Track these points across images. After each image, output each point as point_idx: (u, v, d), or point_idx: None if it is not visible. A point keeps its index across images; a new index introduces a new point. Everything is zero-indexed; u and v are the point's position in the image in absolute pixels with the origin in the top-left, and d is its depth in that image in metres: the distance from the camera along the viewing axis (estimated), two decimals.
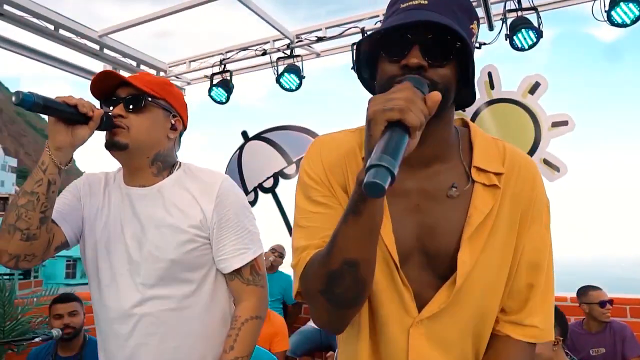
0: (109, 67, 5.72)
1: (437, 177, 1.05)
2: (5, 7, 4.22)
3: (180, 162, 1.68)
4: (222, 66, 5.66)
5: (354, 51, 1.07)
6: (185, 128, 1.71)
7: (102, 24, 5.06)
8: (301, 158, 5.49)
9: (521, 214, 1.05)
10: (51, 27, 4.61)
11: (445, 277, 1.02)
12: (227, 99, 5.65)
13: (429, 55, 0.95)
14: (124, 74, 5.27)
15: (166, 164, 1.62)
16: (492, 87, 4.58)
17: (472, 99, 1.05)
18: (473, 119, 4.53)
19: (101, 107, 1.57)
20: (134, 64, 5.69)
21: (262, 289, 1.65)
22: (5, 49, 4.59)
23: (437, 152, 1.05)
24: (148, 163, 1.59)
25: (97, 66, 5.61)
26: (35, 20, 4.46)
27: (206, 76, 5.85)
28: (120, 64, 5.56)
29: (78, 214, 1.59)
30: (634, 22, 3.89)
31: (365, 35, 1.05)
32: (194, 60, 5.94)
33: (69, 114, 1.38)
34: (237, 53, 5.61)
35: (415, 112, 0.82)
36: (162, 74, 6.00)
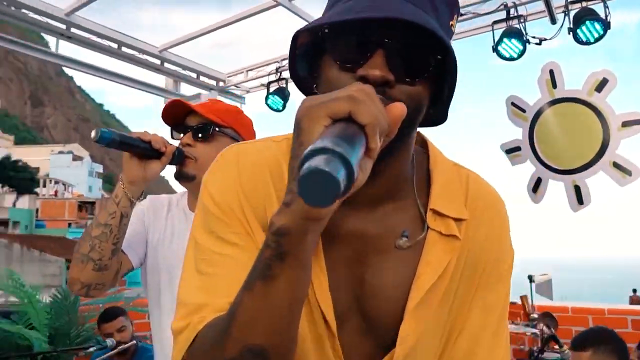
0: (170, 80, 5.99)
1: (385, 220, 0.80)
2: (73, 30, 4.52)
3: None
4: (278, 74, 5.75)
5: (290, 44, 0.76)
6: None
7: (166, 37, 5.34)
8: None
9: (479, 270, 0.83)
10: (115, 45, 4.88)
11: (387, 348, 0.79)
12: (284, 106, 5.73)
13: (398, 68, 0.69)
14: (186, 87, 5.50)
15: None
16: (554, 85, 4.38)
17: (442, 118, 0.82)
18: (534, 120, 4.34)
19: (171, 134, 1.64)
20: (194, 75, 5.91)
21: None
22: (73, 68, 4.91)
23: (389, 188, 0.80)
24: None
25: (159, 80, 5.87)
26: (99, 40, 4.75)
27: (262, 85, 5.96)
28: (180, 76, 5.80)
29: (142, 239, 1.65)
30: None
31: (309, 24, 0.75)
32: (251, 70, 6.08)
33: (143, 150, 1.45)
34: None
35: (371, 106, 0.56)
36: (221, 84, 6.19)
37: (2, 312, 3.94)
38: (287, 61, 4.85)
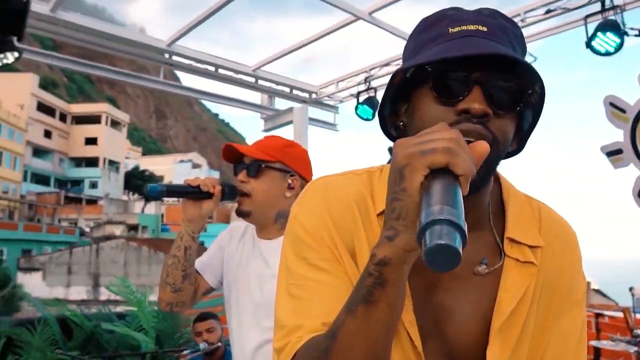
0: (265, 96, 6.37)
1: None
2: (174, 58, 5.02)
3: None
4: (367, 84, 5.89)
5: (389, 82, 0.84)
6: (308, 181, 1.86)
7: (255, 57, 5.72)
8: None
9: (555, 297, 0.87)
10: (212, 68, 5.32)
11: None
12: (373, 115, 5.85)
13: (495, 101, 0.76)
14: (280, 101, 5.79)
15: (287, 219, 1.85)
16: None
17: (520, 148, 0.89)
18: (636, 122, 4.06)
19: (234, 172, 1.85)
20: (287, 90, 6.24)
21: None
22: (178, 94, 5.42)
23: (472, 220, 0.77)
24: (272, 220, 1.78)
25: (255, 97, 6.27)
26: (198, 65, 5.21)
27: (352, 95, 6.13)
28: (274, 92, 6.16)
29: (219, 261, 1.90)
30: None
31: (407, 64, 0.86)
32: (341, 80, 6.28)
33: (193, 193, 1.70)
34: (379, 69, 5.80)
35: (465, 156, 0.63)
36: (313, 95, 6.47)
37: (118, 314, 4.51)
38: (375, 70, 4.92)
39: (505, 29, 0.80)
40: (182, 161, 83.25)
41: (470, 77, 0.76)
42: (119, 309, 5.03)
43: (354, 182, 0.89)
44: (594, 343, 3.83)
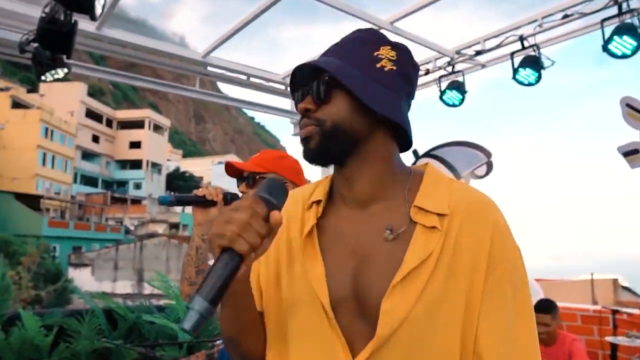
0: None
1: (374, 218, 0.98)
2: (209, 68, 5.20)
3: None
4: None
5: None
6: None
7: (286, 65, 5.89)
8: (470, 172, 5.47)
9: (469, 266, 0.91)
10: (244, 77, 5.49)
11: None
12: None
13: (313, 97, 0.98)
14: None
15: None
16: None
17: (406, 138, 1.02)
18: None
19: (237, 185, 2.00)
20: None
21: None
22: (213, 102, 5.61)
23: (372, 191, 0.99)
24: None
25: (285, 103, 6.41)
26: (231, 74, 5.38)
27: None
28: None
29: None
30: None
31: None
32: None
33: (199, 202, 1.89)
34: None
35: (247, 238, 0.81)
36: None
37: (158, 307, 4.71)
38: None
39: (339, 44, 1.02)
40: (220, 162, 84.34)
41: (295, 86, 1.02)
42: (161, 302, 5.24)
43: (308, 187, 1.12)
44: (610, 339, 3.81)
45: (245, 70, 5.43)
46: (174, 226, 46.88)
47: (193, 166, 77.27)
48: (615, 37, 3.94)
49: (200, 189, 1.92)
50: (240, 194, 1.94)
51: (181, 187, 61.30)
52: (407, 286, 0.89)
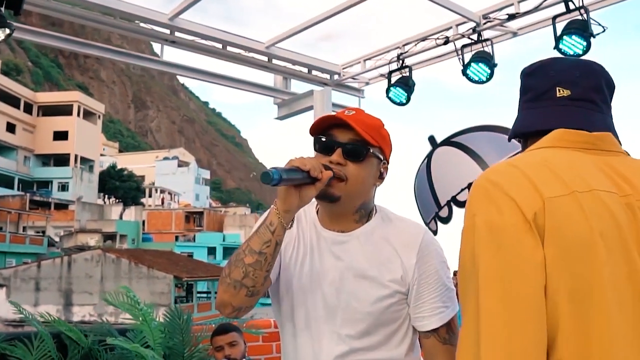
0: (279, 77, 6.40)
1: None
2: (177, 34, 5.06)
3: (376, 207, 1.88)
4: (400, 62, 5.89)
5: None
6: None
7: (269, 34, 5.76)
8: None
9: None
10: (219, 45, 5.36)
11: None
12: (408, 99, 5.83)
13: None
14: (297, 84, 5.84)
15: (367, 210, 1.84)
16: None
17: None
18: None
19: (315, 146, 1.79)
20: (305, 70, 6.26)
21: (454, 347, 1.77)
22: (179, 74, 5.47)
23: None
24: (353, 210, 1.79)
25: (268, 79, 6.30)
26: (204, 42, 5.25)
27: (382, 75, 6.14)
28: (290, 72, 6.19)
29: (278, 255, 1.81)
30: None
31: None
32: (368, 59, 6.28)
33: (302, 180, 1.60)
34: (415, 45, 5.80)
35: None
36: (335, 77, 6.49)
37: (119, 330, 4.58)
38: (410, 45, 4.99)
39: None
40: (166, 158, 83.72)
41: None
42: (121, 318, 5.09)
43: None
44: None
45: (222, 37, 5.30)
46: (110, 237, 46.39)
47: (132, 162, 76.44)
48: None
49: (298, 159, 1.63)
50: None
51: (118, 188, 60.52)
52: None
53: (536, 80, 1.39)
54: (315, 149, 1.77)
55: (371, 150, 1.72)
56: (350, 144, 1.71)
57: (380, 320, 1.73)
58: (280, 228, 1.61)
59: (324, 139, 1.74)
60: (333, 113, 1.79)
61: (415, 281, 1.73)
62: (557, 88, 1.34)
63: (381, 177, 1.83)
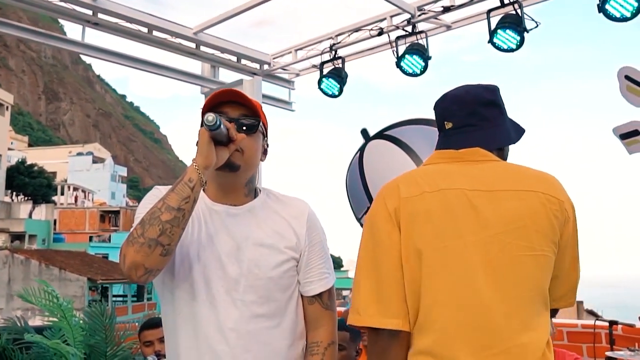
0: (207, 65, 6.27)
1: None
2: (100, 15, 4.85)
3: (259, 187, 2.05)
4: (333, 52, 5.88)
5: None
6: None
7: (202, 17, 5.63)
8: None
9: None
10: (145, 29, 5.18)
11: None
12: (340, 91, 5.84)
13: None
14: (225, 73, 5.72)
15: (253, 185, 2.01)
16: None
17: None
18: None
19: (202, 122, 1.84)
20: (234, 59, 6.18)
21: (335, 314, 2.07)
22: (97, 57, 5.25)
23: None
24: (244, 183, 1.95)
25: (195, 66, 6.16)
26: (129, 25, 5.06)
27: (314, 66, 6.12)
28: (219, 60, 6.08)
29: None
30: None
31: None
32: (300, 49, 6.25)
33: (224, 136, 1.74)
34: (348, 36, 5.81)
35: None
36: (265, 67, 6.42)
37: (37, 328, 4.35)
38: (343, 36, 5.04)
39: None
40: (79, 154, 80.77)
41: None
42: (31, 322, 4.87)
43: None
44: (609, 354, 4.02)
45: (147, 20, 5.13)
46: (18, 237, 44.44)
47: (43, 158, 73.27)
48: None
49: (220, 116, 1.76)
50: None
51: (28, 185, 57.94)
52: None
53: (435, 117, 1.88)
54: (201, 125, 1.82)
55: (260, 124, 1.91)
56: (243, 117, 1.86)
57: (279, 285, 1.90)
58: (198, 184, 1.71)
59: (220, 115, 1.81)
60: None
61: (306, 247, 1.97)
62: (444, 122, 1.82)
63: (265, 153, 2.03)
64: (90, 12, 4.81)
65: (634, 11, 4.09)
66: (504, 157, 1.86)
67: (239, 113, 1.86)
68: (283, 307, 1.92)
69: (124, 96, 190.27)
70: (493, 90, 1.85)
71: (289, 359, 1.93)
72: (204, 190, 1.94)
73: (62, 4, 4.63)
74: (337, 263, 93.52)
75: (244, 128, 1.85)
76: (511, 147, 1.91)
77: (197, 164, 1.70)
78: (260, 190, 2.05)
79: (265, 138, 2.01)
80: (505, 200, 1.64)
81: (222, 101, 1.87)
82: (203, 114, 1.81)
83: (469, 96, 1.82)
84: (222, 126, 1.69)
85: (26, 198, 56.76)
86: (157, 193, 1.87)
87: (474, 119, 1.79)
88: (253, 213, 1.94)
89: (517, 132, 1.88)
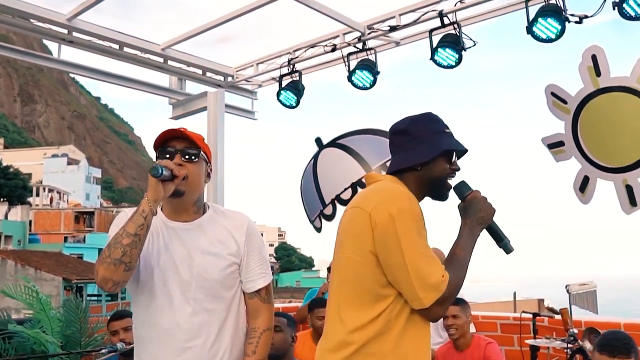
0: (174, 78, 6.60)
1: None
2: (75, 34, 5.16)
3: (207, 204, 2.47)
4: (291, 66, 6.20)
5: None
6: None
7: (169, 33, 5.93)
8: (382, 165, 5.88)
9: None
10: (116, 46, 5.50)
11: None
12: (297, 102, 6.08)
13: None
14: (192, 85, 6.05)
15: (201, 204, 2.42)
16: (597, 73, 4.52)
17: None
18: (577, 113, 4.54)
19: (158, 156, 2.31)
20: (200, 72, 6.49)
21: (272, 306, 2.50)
22: (75, 73, 5.56)
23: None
24: (192, 204, 2.35)
25: (163, 79, 6.48)
26: (101, 42, 5.38)
27: (274, 78, 6.46)
28: (185, 74, 6.40)
29: None
30: None
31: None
32: (261, 62, 6.57)
33: (169, 176, 2.15)
34: (305, 51, 6.14)
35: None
36: (229, 79, 6.76)
37: (18, 320, 4.68)
38: (300, 51, 5.36)
39: None
40: (54, 155, 79.47)
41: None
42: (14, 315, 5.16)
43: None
44: (529, 342, 4.40)
45: (119, 38, 5.45)
46: None
47: (18, 159, 71.93)
48: (540, 19, 4.37)
49: (166, 162, 2.20)
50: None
51: (3, 186, 57.01)
52: None
53: None
54: (158, 158, 2.27)
55: (201, 153, 2.30)
56: (186, 149, 2.27)
57: (224, 285, 2.32)
58: (150, 214, 2.12)
59: (168, 149, 2.27)
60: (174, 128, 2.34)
61: (245, 253, 2.37)
62: None
63: (209, 176, 2.42)
64: (65, 31, 5.10)
65: (558, 33, 4.37)
66: (416, 176, 2.10)
67: (183, 145, 2.28)
68: (229, 302, 2.35)
69: (98, 98, 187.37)
70: (404, 121, 2.20)
71: (233, 344, 2.35)
72: (161, 209, 2.37)
73: (40, 24, 4.93)
74: (309, 263, 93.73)
75: (186, 157, 2.26)
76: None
77: (148, 199, 2.13)
78: (208, 207, 2.45)
79: (208, 164, 2.40)
80: (347, 214, 2.12)
81: (169, 137, 2.27)
82: (155, 148, 2.30)
83: (391, 128, 2.22)
84: (164, 172, 2.10)
85: (2, 199, 55.78)
86: (124, 216, 2.28)
87: (391, 147, 2.21)
88: (201, 227, 2.36)
89: (428, 152, 2.08)
